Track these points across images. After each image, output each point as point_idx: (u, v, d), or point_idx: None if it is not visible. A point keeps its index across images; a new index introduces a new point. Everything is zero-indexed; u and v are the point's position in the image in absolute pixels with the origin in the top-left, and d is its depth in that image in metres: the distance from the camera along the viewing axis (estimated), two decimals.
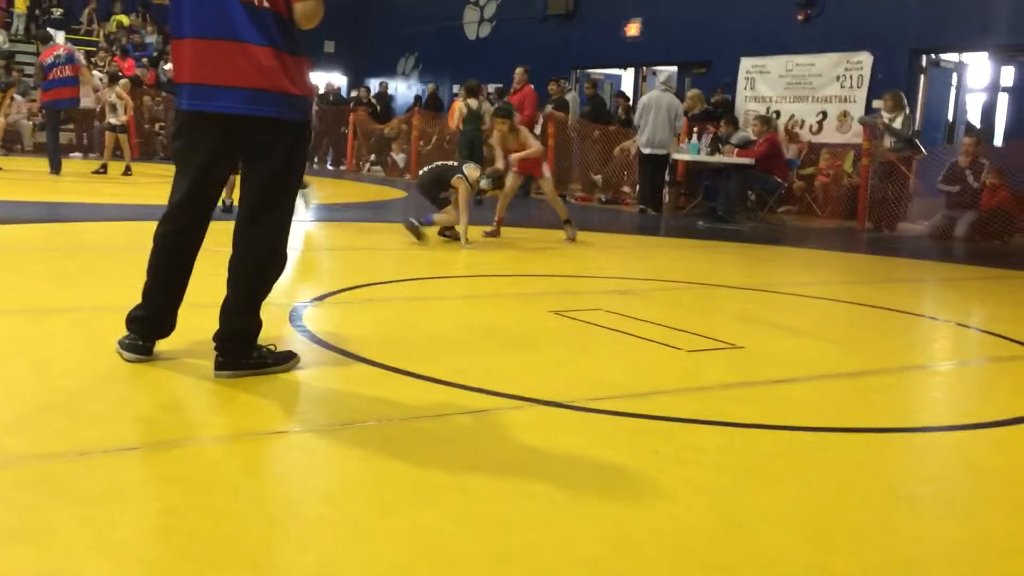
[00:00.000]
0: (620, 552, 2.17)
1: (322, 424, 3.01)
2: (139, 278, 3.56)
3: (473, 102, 12.55)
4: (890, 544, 2.32)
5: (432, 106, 20.01)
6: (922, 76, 14.06)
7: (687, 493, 2.56)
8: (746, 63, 15.54)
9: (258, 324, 3.47)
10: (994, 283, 8.02)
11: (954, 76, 14.56)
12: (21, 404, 2.97)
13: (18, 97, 17.65)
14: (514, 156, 8.76)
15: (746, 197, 12.63)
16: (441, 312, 5.16)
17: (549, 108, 15.55)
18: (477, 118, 12.57)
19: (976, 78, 14.73)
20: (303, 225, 8.51)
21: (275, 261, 3.47)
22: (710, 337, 4.65)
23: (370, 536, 2.19)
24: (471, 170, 8.13)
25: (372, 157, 19.90)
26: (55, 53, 13.27)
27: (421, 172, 8.46)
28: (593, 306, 5.36)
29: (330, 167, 21.32)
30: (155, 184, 12.32)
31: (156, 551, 2.10)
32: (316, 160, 20.77)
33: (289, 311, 4.63)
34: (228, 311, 3.43)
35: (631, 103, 16.62)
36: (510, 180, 8.87)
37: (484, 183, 8.10)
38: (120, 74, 16.70)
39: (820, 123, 14.53)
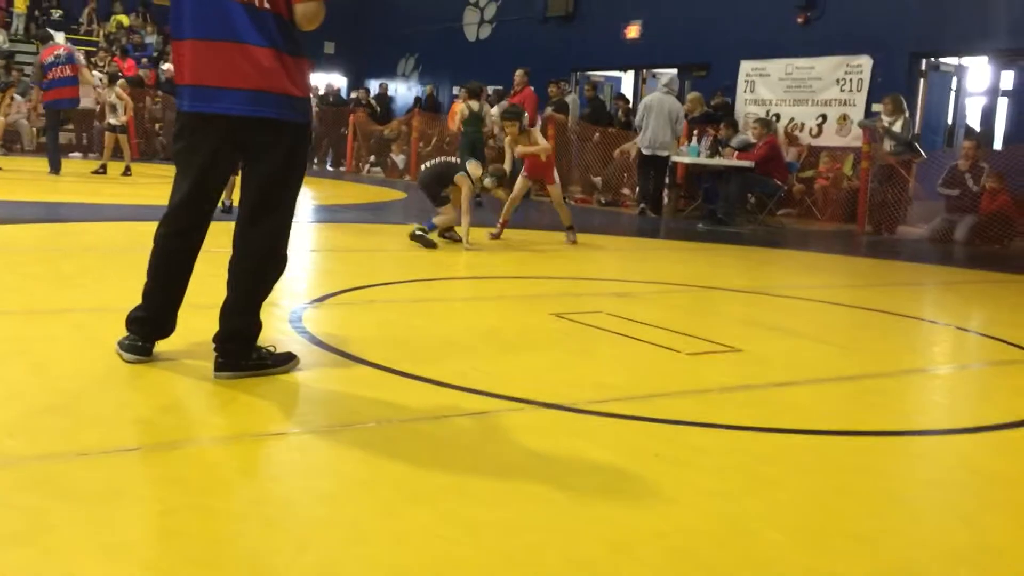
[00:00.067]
0: (621, 554, 2.16)
1: (322, 426, 3.00)
2: (139, 279, 3.56)
3: (475, 104, 12.58)
4: (890, 547, 2.32)
5: (430, 107, 20.01)
6: (922, 80, 14.07)
7: (688, 496, 2.56)
8: (746, 66, 15.55)
9: (258, 325, 3.47)
10: (994, 287, 8.02)
11: (954, 80, 14.57)
12: (21, 405, 2.97)
13: (18, 97, 17.64)
14: (519, 150, 8.74)
15: (746, 200, 12.64)
16: (442, 314, 5.16)
17: (549, 110, 15.55)
18: (479, 120, 12.58)
19: (976, 82, 14.74)
20: (303, 226, 8.51)
21: (275, 262, 3.46)
22: (710, 340, 4.65)
23: (370, 538, 2.18)
24: (474, 168, 8.09)
25: (372, 158, 19.91)
26: (55, 53, 13.26)
27: (423, 167, 8.40)
28: (594, 308, 5.35)
29: (330, 168, 21.32)
30: (155, 184, 12.32)
31: (155, 552, 2.09)
32: (316, 161, 20.77)
33: (289, 312, 4.62)
34: (228, 312, 3.42)
35: (631, 105, 16.64)
36: (519, 185, 8.86)
37: (488, 181, 8.06)
38: (120, 74, 16.69)
39: (820, 126, 14.53)
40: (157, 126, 19.86)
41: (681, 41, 16.52)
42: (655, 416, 3.28)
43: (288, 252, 3.51)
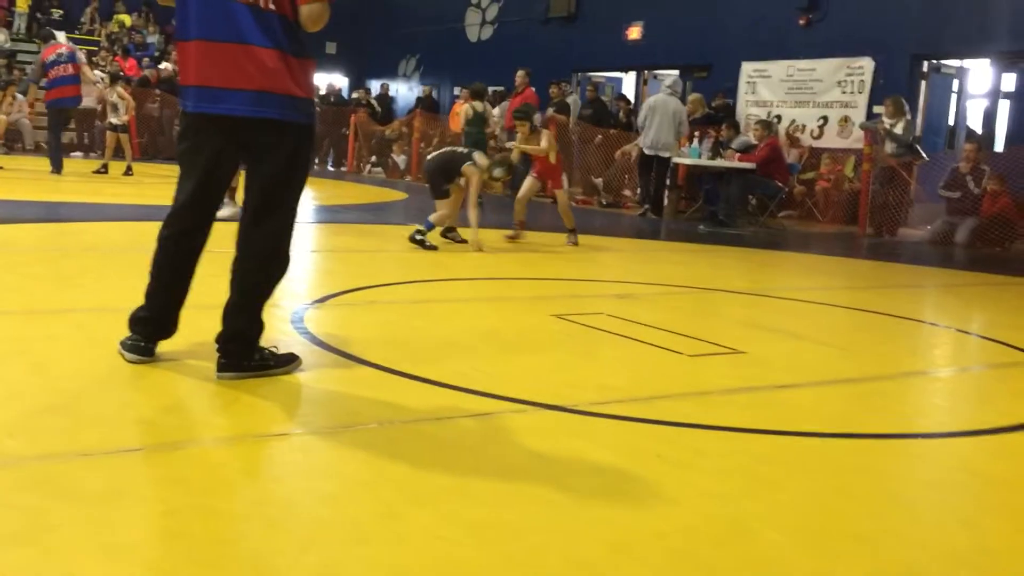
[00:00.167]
0: (622, 555, 2.17)
1: (324, 426, 3.01)
2: (140, 279, 3.56)
3: (479, 105, 12.61)
4: (890, 548, 2.32)
5: (428, 108, 20.02)
6: (923, 82, 14.07)
7: (690, 497, 2.56)
8: (747, 67, 15.55)
9: (260, 326, 3.47)
10: (995, 289, 8.02)
11: (955, 82, 14.57)
12: (22, 405, 2.97)
13: (19, 96, 17.64)
14: (520, 146, 8.73)
15: (747, 201, 12.64)
16: (443, 315, 5.16)
17: (550, 111, 15.55)
18: (482, 120, 12.59)
19: (977, 84, 14.73)
20: (304, 227, 8.51)
21: (277, 263, 3.47)
22: (712, 342, 4.65)
23: (371, 538, 2.19)
24: (481, 158, 8.03)
25: (373, 159, 19.91)
26: (57, 51, 13.27)
27: (428, 157, 8.28)
28: (595, 310, 5.36)
29: (331, 168, 21.33)
30: (156, 184, 12.33)
31: (157, 553, 2.10)
32: (317, 161, 20.77)
33: (290, 313, 4.63)
34: (230, 312, 3.43)
35: (632, 106, 16.64)
36: (528, 184, 8.86)
37: (497, 172, 7.92)
38: (121, 73, 16.69)
39: (821, 128, 14.53)
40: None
41: (683, 42, 16.53)
42: (657, 418, 3.28)
43: (291, 253, 3.51)
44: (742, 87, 15.63)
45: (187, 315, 3.60)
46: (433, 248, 7.59)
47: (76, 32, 22.44)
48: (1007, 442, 3.39)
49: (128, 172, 13.74)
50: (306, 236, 8.22)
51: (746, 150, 12.62)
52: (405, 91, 23.83)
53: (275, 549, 2.10)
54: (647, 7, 17.40)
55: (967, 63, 14.48)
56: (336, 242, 8.42)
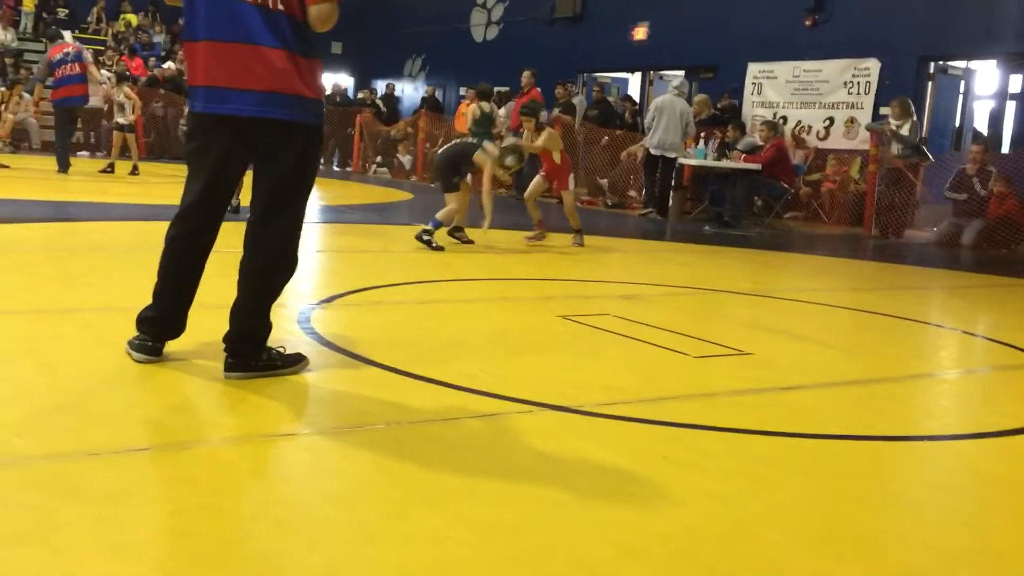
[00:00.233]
0: (628, 557, 2.17)
1: (331, 426, 3.02)
2: (147, 278, 3.57)
3: (486, 105, 12.65)
4: (895, 550, 2.33)
5: (432, 108, 20.02)
6: (930, 83, 14.05)
7: (695, 498, 2.57)
8: (753, 68, 15.54)
9: (268, 326, 3.48)
10: (1001, 291, 8.01)
11: (962, 83, 14.55)
12: (30, 404, 2.98)
13: (26, 95, 17.68)
14: (525, 145, 8.74)
15: (752, 202, 12.63)
16: (450, 315, 5.17)
17: (556, 111, 15.55)
18: (489, 121, 12.63)
19: (984, 85, 14.71)
20: (310, 227, 8.51)
21: (285, 263, 3.48)
22: (718, 343, 4.66)
23: (378, 539, 2.20)
24: (492, 147, 8.03)
25: (378, 159, 19.92)
26: (64, 50, 13.28)
27: (439, 151, 8.28)
28: (601, 311, 5.36)
29: (336, 168, 21.34)
30: (162, 184, 12.36)
31: (165, 552, 2.10)
32: (322, 161, 20.78)
33: (297, 313, 4.64)
34: (238, 312, 3.44)
35: (638, 107, 16.63)
36: (536, 183, 8.87)
37: (509, 160, 7.91)
38: (128, 73, 16.72)
39: (827, 129, 14.52)
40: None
41: (688, 43, 16.51)
42: (662, 419, 3.29)
43: (299, 253, 3.52)
44: (748, 88, 15.62)
45: (194, 315, 3.61)
46: (440, 249, 7.59)
47: (79, 31, 22.45)
48: (1012, 444, 3.39)
49: (134, 172, 13.77)
50: (312, 236, 8.24)
51: (752, 151, 12.60)
52: (410, 91, 23.84)
53: (282, 549, 2.11)
54: (653, 7, 17.39)
55: (974, 64, 14.46)
56: (342, 242, 8.43)
